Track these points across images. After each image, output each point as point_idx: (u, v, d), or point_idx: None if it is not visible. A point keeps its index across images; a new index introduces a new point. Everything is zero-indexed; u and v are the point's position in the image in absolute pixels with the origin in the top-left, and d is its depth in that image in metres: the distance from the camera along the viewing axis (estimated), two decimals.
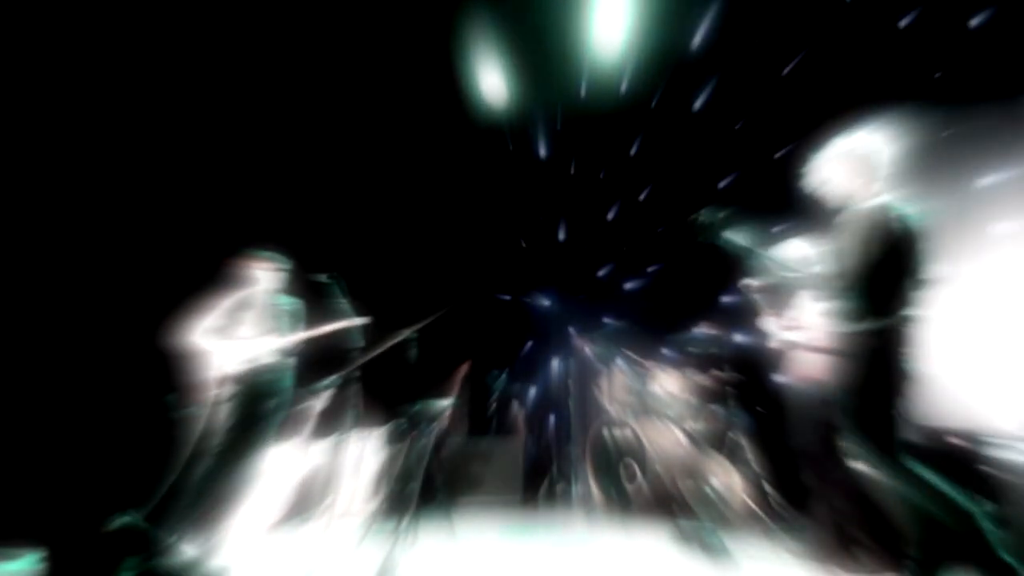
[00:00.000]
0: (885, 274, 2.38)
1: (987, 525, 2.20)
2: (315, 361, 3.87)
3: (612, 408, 5.00)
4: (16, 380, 3.93)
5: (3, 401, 3.85)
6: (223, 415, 3.54)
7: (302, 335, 3.81)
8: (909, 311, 2.38)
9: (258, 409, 3.62)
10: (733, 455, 4.16)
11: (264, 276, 3.90)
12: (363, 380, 3.52)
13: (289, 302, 3.92)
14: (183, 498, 3.35)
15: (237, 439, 3.52)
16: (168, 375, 3.79)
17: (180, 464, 3.45)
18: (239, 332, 3.70)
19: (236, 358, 3.63)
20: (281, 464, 4.16)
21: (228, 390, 3.58)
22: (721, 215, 2.92)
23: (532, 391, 6.48)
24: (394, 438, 4.37)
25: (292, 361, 3.82)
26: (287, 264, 3.97)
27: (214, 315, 3.67)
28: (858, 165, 2.62)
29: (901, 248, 2.40)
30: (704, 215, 2.93)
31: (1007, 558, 2.16)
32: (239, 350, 3.65)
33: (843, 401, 2.42)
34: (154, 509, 3.28)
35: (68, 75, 4.41)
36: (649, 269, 6.43)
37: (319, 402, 4.02)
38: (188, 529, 3.31)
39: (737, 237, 2.89)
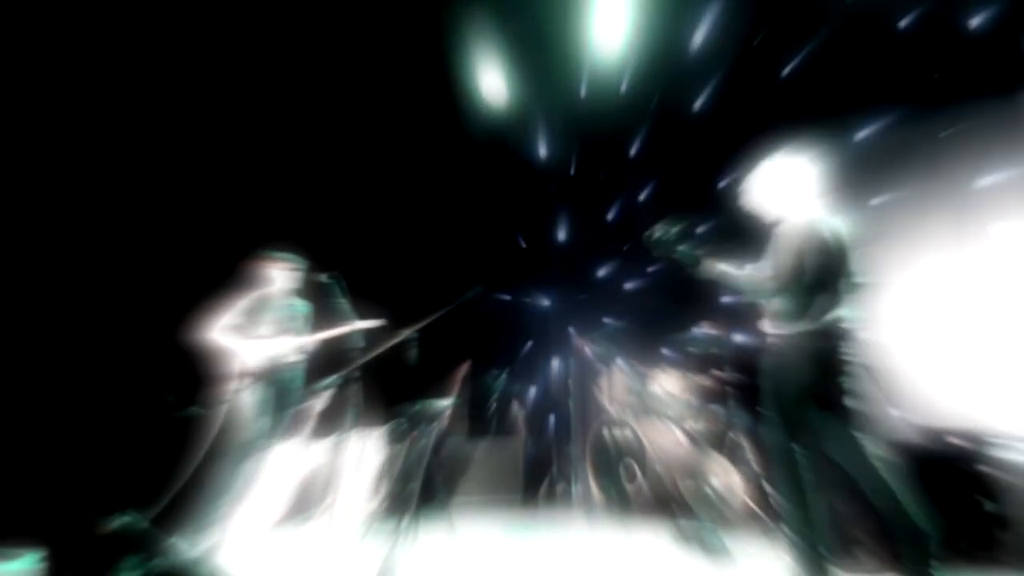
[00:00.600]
0: (818, 280, 2.52)
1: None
2: (316, 361, 3.88)
3: (612, 408, 5.00)
4: (17, 380, 3.93)
5: (4, 401, 3.85)
6: (240, 413, 3.55)
7: (317, 336, 3.83)
8: (845, 313, 2.53)
9: (274, 408, 3.63)
10: (733, 455, 4.15)
11: (280, 276, 3.90)
12: (363, 380, 3.52)
13: (303, 304, 3.94)
14: (195, 496, 3.35)
15: (252, 438, 3.52)
16: (170, 375, 3.79)
17: (194, 462, 3.46)
18: (256, 332, 3.71)
19: (254, 357, 3.64)
20: (282, 464, 4.16)
21: (246, 389, 3.59)
22: (676, 228, 2.92)
23: (532, 391, 6.48)
24: (394, 438, 4.37)
25: (305, 362, 3.84)
26: (302, 264, 3.98)
27: (231, 315, 3.67)
28: (787, 184, 2.75)
29: (832, 256, 2.54)
30: (658, 229, 2.94)
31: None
32: (257, 349, 3.66)
33: (774, 393, 2.58)
34: (164, 508, 3.29)
35: (89, 80, 4.45)
36: (649, 269, 6.42)
37: (320, 402, 4.02)
38: (197, 528, 3.31)
39: (694, 249, 2.89)
